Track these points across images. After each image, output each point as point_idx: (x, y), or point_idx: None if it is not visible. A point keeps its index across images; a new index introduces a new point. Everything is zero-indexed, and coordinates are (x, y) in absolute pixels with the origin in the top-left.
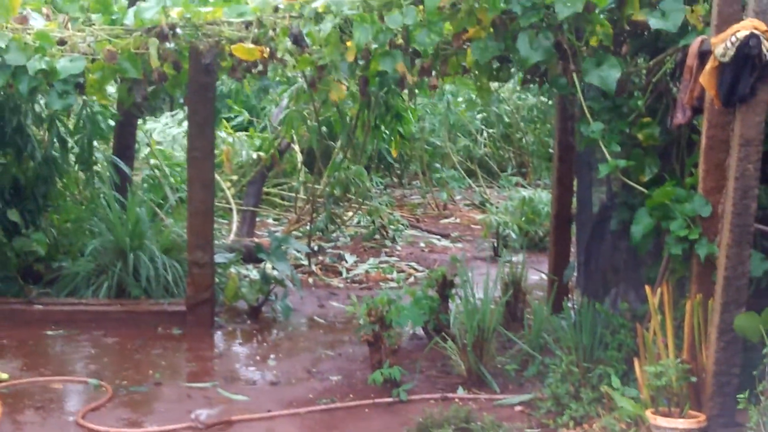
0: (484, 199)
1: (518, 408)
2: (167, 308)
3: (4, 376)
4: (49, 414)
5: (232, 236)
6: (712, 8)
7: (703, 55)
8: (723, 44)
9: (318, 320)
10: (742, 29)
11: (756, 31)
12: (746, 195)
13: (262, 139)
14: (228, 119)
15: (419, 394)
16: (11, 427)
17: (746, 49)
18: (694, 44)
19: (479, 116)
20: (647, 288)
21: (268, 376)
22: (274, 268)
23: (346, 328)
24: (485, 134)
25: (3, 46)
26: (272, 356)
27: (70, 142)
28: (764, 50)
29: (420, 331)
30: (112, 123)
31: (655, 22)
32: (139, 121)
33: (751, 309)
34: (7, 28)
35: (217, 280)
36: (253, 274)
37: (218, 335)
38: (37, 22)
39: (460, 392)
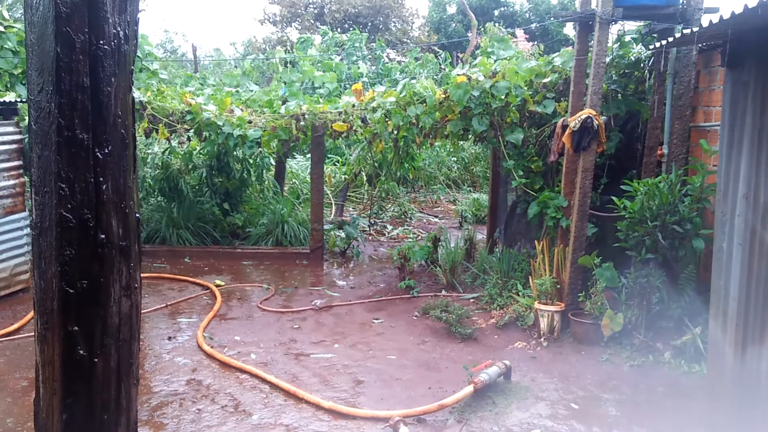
0: (455, 198)
1: (471, 300)
2: (301, 251)
3: (222, 283)
4: (243, 302)
5: (332, 216)
6: (569, 103)
7: (564, 126)
8: (575, 121)
9: (374, 257)
10: (585, 113)
11: (590, 114)
12: (585, 196)
13: (347, 169)
14: (329, 159)
15: (423, 293)
16: (225, 308)
17: (586, 123)
18: (560, 121)
19: (453, 158)
20: (536, 242)
21: (349, 284)
22: (347, 233)
23: (388, 261)
24: (455, 166)
25: (221, 123)
26: (351, 275)
27: (252, 172)
28: (594, 124)
29: (424, 263)
30: (272, 161)
31: (541, 110)
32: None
33: (588, 251)
34: (223, 114)
35: (324, 237)
36: (342, 234)
37: (325, 264)
38: (238, 111)
39: (444, 293)
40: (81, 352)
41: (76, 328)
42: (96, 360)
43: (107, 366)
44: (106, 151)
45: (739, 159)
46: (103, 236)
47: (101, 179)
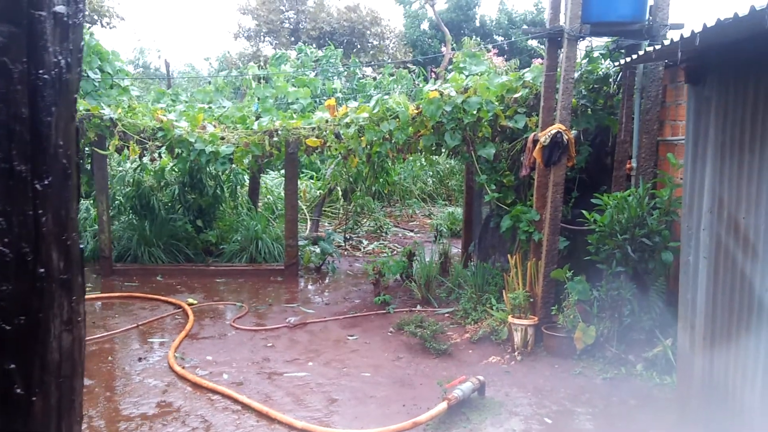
0: (431, 212)
1: (446, 315)
2: (275, 267)
3: (194, 301)
4: (216, 320)
5: (307, 232)
6: (539, 118)
7: (535, 141)
8: (545, 136)
9: (349, 273)
10: (554, 128)
11: (560, 129)
12: (556, 210)
13: (322, 184)
14: (304, 174)
15: (399, 309)
16: (198, 327)
17: (556, 138)
18: (531, 136)
19: (429, 172)
20: (509, 256)
21: (324, 300)
22: (321, 249)
23: (363, 276)
24: (431, 180)
25: (193, 140)
26: (326, 291)
27: (226, 188)
28: (564, 139)
29: (399, 278)
30: (246, 178)
31: (513, 124)
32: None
33: (560, 264)
34: (195, 131)
35: (300, 253)
36: (317, 250)
37: (300, 281)
38: (210, 128)
39: (418, 308)
40: (18, 390)
41: (13, 366)
42: (34, 398)
43: (47, 404)
44: (47, 182)
45: (703, 173)
46: (42, 270)
47: (41, 212)
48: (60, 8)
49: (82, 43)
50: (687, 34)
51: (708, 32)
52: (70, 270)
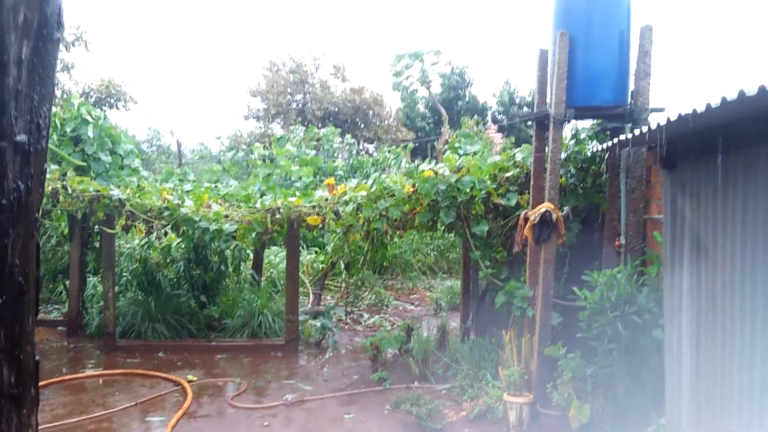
0: (431, 285)
1: (443, 391)
2: (276, 342)
3: (194, 378)
4: (215, 398)
5: (309, 306)
6: (530, 197)
7: (526, 219)
8: (534, 214)
9: (349, 347)
10: (543, 207)
11: (549, 208)
12: (548, 286)
13: (324, 258)
14: (308, 248)
15: (395, 385)
16: (196, 405)
17: (545, 217)
18: (522, 214)
19: (430, 245)
20: (504, 332)
21: (323, 376)
22: (321, 324)
23: (362, 351)
24: (431, 253)
25: (197, 219)
26: (325, 366)
27: (230, 264)
28: (553, 217)
29: (398, 352)
30: (250, 253)
31: (505, 202)
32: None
33: (555, 340)
34: (200, 210)
35: (300, 327)
36: (318, 324)
37: (300, 356)
38: (215, 207)
39: (416, 384)
40: None
41: None
42: None
43: None
44: (0, 301)
45: (681, 254)
46: None
47: None
48: (21, 137)
49: (45, 165)
50: (664, 119)
51: (672, 125)
52: (21, 383)
